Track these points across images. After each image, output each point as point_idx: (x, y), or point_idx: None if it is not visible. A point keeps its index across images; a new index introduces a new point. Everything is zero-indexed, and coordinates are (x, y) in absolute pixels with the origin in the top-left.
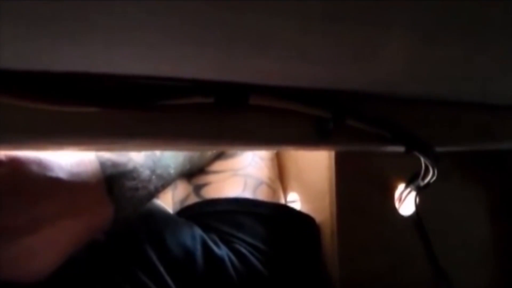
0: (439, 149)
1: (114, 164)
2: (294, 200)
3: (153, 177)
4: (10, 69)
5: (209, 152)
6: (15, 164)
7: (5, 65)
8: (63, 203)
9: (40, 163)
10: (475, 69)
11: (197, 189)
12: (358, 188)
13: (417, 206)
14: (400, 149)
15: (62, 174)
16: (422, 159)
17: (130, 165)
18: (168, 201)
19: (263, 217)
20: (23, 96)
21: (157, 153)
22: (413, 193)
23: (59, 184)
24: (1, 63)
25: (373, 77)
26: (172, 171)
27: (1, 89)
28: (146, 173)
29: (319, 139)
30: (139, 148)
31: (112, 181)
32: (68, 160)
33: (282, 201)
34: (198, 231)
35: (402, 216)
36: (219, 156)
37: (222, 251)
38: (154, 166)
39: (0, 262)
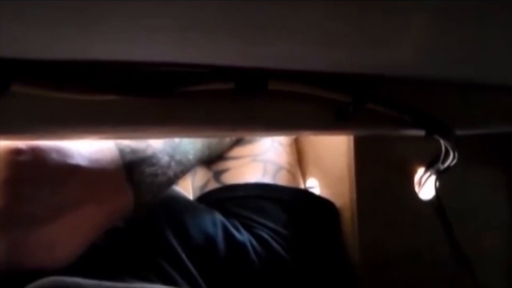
0: (459, 132)
1: (133, 151)
2: (313, 186)
3: (172, 163)
4: (30, 59)
5: (228, 138)
6: (36, 153)
7: (25, 55)
8: (84, 190)
9: (60, 151)
10: (495, 51)
11: (217, 175)
12: (378, 173)
13: (437, 190)
14: (421, 132)
15: (82, 161)
16: (443, 143)
17: (149, 151)
18: (187, 188)
19: (284, 202)
20: (43, 86)
21: (176, 139)
22: (433, 177)
23: (79, 171)
24: (21, 53)
25: (393, 60)
26: (191, 157)
27: (21, 79)
28: (165, 159)
29: (339, 124)
30: (159, 135)
31: (131, 167)
32: (87, 147)
33: (302, 187)
34: (219, 217)
35: (421, 200)
36: (238, 142)
37: (243, 236)
38: (173, 152)
39: (23, 251)
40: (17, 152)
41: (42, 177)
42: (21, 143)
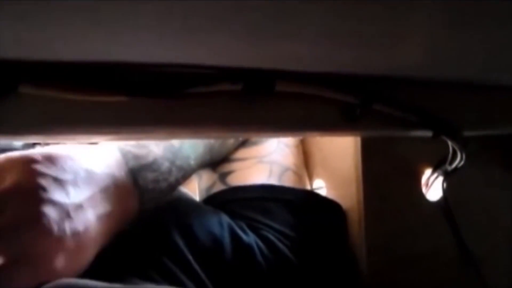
0: (467, 133)
1: (135, 156)
2: (320, 187)
3: (173, 168)
4: (38, 60)
5: (231, 141)
6: (50, 161)
7: (33, 56)
8: (98, 198)
9: (73, 158)
10: (504, 52)
11: (223, 177)
12: (385, 174)
13: (445, 191)
14: (428, 133)
15: (95, 169)
16: (450, 144)
17: (150, 157)
18: (194, 190)
19: (290, 203)
20: (51, 87)
21: (176, 144)
22: (440, 178)
23: (94, 179)
24: (29, 54)
25: (400, 61)
26: (192, 162)
27: (29, 80)
28: (165, 165)
29: (346, 125)
30: (167, 136)
31: (135, 173)
32: (95, 153)
33: (308, 188)
34: (226, 219)
35: (429, 202)
36: (244, 144)
37: (250, 238)
38: (174, 157)
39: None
40: (31, 160)
41: (56, 185)
42: (36, 152)
